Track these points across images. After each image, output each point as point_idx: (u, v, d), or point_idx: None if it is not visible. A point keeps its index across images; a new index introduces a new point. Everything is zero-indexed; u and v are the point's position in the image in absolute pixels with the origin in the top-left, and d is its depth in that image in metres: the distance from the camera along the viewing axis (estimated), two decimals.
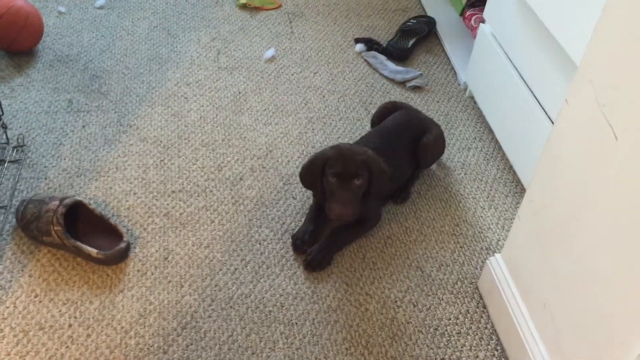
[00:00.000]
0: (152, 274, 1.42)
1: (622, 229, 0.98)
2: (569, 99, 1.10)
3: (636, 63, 0.93)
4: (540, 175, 1.21)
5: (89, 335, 1.30)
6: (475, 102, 2.01)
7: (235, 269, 1.45)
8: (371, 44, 2.20)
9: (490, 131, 1.90)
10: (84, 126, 1.78)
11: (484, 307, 1.42)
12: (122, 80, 1.96)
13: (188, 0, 2.37)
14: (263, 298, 1.40)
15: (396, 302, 1.42)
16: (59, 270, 1.41)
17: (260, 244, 1.51)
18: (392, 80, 2.09)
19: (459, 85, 2.10)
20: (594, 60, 1.03)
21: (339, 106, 1.96)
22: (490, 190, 1.72)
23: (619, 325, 1.00)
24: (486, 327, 1.38)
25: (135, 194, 1.60)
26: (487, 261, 1.41)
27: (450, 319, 1.39)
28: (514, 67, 1.73)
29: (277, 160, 1.74)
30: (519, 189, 1.72)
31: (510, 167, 1.78)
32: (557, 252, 1.16)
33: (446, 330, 1.37)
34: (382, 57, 2.16)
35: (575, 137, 1.09)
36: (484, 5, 1.91)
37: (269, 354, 1.30)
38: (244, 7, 2.36)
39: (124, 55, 2.07)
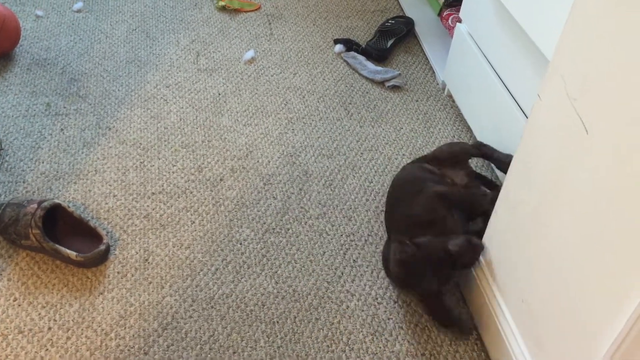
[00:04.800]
0: (133, 275, 1.42)
1: (594, 223, 1.00)
2: (541, 94, 1.12)
3: (604, 57, 0.95)
4: (515, 170, 1.23)
5: (68, 338, 1.29)
6: (453, 101, 2.03)
7: (216, 269, 1.45)
8: (350, 45, 2.22)
9: (469, 129, 1.92)
10: (62, 129, 1.78)
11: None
12: (100, 83, 1.96)
13: (167, 3, 2.37)
14: (244, 297, 1.40)
15: (377, 299, 1.43)
16: (38, 273, 1.40)
17: (241, 243, 1.51)
18: (372, 80, 2.10)
19: (438, 84, 2.12)
20: (564, 55, 1.05)
21: (318, 106, 1.97)
22: None
23: (592, 317, 1.02)
24: None
25: (114, 196, 1.60)
26: None
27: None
28: (490, 65, 1.75)
29: (257, 161, 1.75)
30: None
31: (489, 164, 1.80)
32: (533, 247, 1.17)
33: (426, 326, 1.38)
34: (361, 58, 2.17)
35: (548, 131, 1.10)
36: (461, 4, 1.93)
37: (250, 352, 1.30)
38: (223, 9, 2.36)
39: (103, 58, 2.06)
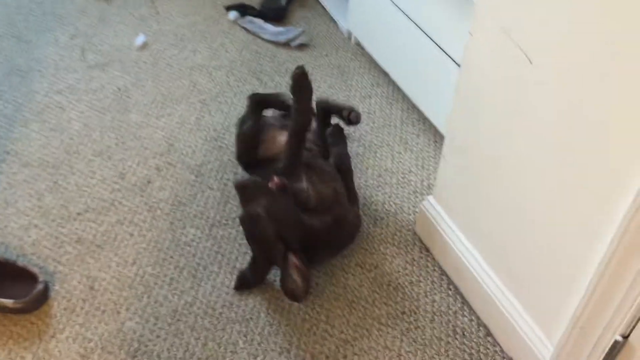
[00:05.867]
0: (82, 308, 1.30)
1: (549, 150, 1.00)
2: (473, 31, 1.09)
3: None
4: (457, 113, 1.21)
5: None
6: (363, 49, 1.99)
7: (172, 279, 1.36)
8: (244, 10, 2.10)
9: (386, 74, 1.89)
10: None
11: (427, 250, 1.43)
12: None
13: None
14: (209, 302, 1.32)
15: (343, 268, 1.39)
16: None
17: (189, 245, 1.42)
18: (276, 43, 2.01)
19: (343, 34, 2.06)
20: None
21: (229, 81, 1.86)
22: (401, 133, 1.72)
23: (564, 249, 1.03)
24: (434, 270, 1.39)
25: (36, 226, 1.44)
26: (421, 205, 1.41)
27: (399, 272, 1.39)
28: (394, 4, 1.70)
29: (182, 153, 1.63)
30: (427, 126, 1.73)
31: (414, 105, 1.79)
32: (489, 185, 1.17)
33: (399, 284, 1.37)
34: (259, 21, 2.07)
35: (487, 69, 1.08)
36: None
37: (232, 357, 1.23)
38: None
39: None
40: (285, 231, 1.22)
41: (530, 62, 0.97)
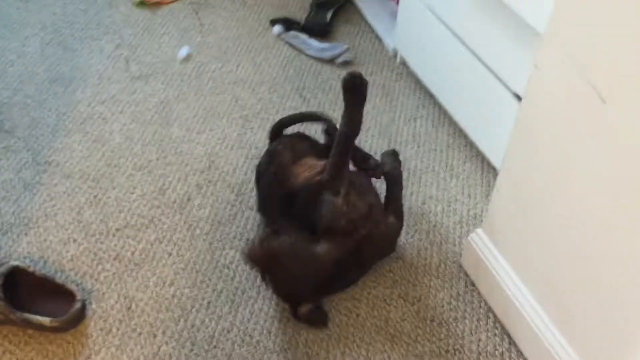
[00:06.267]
0: (118, 329, 1.27)
1: (614, 192, 0.94)
2: (539, 64, 1.04)
3: (614, 15, 0.87)
4: (515, 146, 1.16)
5: None
6: (408, 68, 1.94)
7: (209, 302, 1.33)
8: (289, 24, 2.07)
9: (432, 96, 1.84)
10: None
11: (473, 285, 1.37)
12: (25, 111, 1.74)
13: (78, 7, 2.14)
14: (247, 328, 1.29)
15: (385, 300, 1.35)
16: (11, 349, 1.23)
17: (227, 268, 1.39)
18: (320, 59, 1.98)
19: (388, 52, 2.02)
20: (563, 20, 0.97)
21: (272, 98, 1.83)
22: (447, 158, 1.67)
23: (626, 288, 0.97)
24: (480, 307, 1.34)
25: (75, 240, 1.43)
26: (469, 238, 1.36)
27: (443, 306, 1.34)
28: (446, 26, 1.65)
29: (223, 170, 1.61)
30: (474, 152, 1.68)
31: (461, 130, 1.73)
32: (546, 222, 1.12)
33: (443, 319, 1.32)
34: (303, 36, 2.04)
35: (553, 105, 1.03)
36: None
37: None
38: (141, 4, 2.16)
39: (20, 82, 1.83)
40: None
41: (603, 102, 0.91)
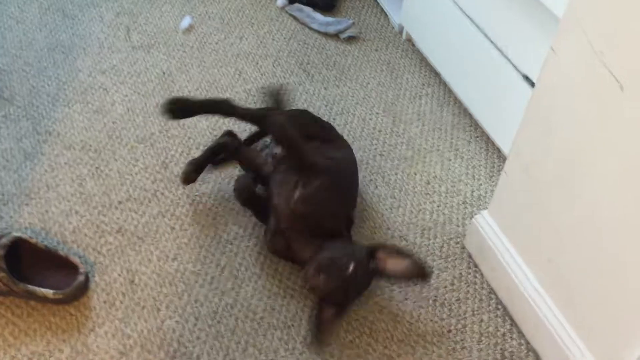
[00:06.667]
0: (122, 302, 1.27)
1: (633, 178, 0.94)
2: (557, 48, 1.02)
3: (635, 1, 0.86)
4: (526, 130, 1.15)
5: None
6: (414, 45, 1.92)
7: (212, 278, 1.32)
8: None
9: (437, 74, 1.82)
10: None
11: (476, 266, 1.38)
12: (25, 79, 1.71)
13: None
14: (250, 305, 1.29)
15: (389, 279, 1.35)
16: (14, 320, 1.23)
17: (231, 243, 1.39)
18: (325, 34, 1.95)
19: (394, 28, 1.99)
20: (583, 5, 0.95)
21: (275, 72, 1.81)
22: (452, 138, 1.66)
23: (633, 274, 0.98)
24: (482, 288, 1.35)
25: (77, 212, 1.42)
26: (474, 219, 1.36)
27: (446, 287, 1.34)
28: (455, 3, 1.63)
29: None
30: (479, 133, 1.67)
31: (466, 110, 1.72)
32: (558, 206, 1.11)
33: (445, 299, 1.32)
34: (308, 9, 2.01)
35: (568, 89, 1.02)
36: None
37: None
38: None
39: (19, 49, 1.80)
40: None
41: (621, 89, 0.91)
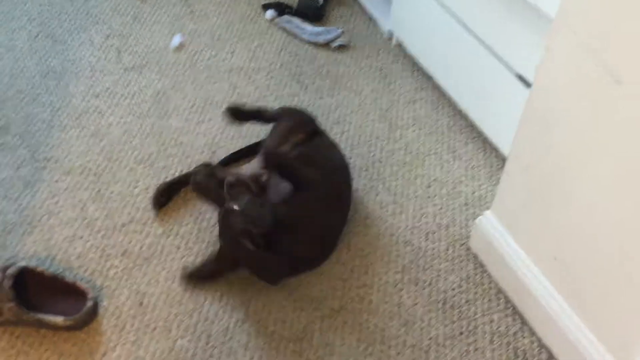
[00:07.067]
0: (132, 325, 1.27)
1: (630, 174, 0.95)
2: (551, 47, 1.04)
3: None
4: (525, 130, 1.16)
5: None
6: (405, 50, 1.93)
7: (222, 295, 1.32)
8: (281, 8, 2.05)
9: (430, 78, 1.84)
10: None
11: (482, 267, 1.39)
12: (19, 107, 1.71)
13: None
14: (260, 319, 1.29)
15: (396, 285, 1.36)
16: (25, 349, 1.22)
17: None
18: (315, 44, 1.96)
19: (383, 34, 2.00)
20: (575, 4, 0.97)
21: (269, 85, 1.82)
22: (449, 140, 1.67)
23: (638, 267, 0.99)
24: (491, 288, 1.35)
25: (81, 237, 1.41)
26: (477, 220, 1.37)
27: (454, 289, 1.35)
28: (443, 6, 1.64)
29: None
30: (475, 134, 1.69)
31: (461, 112, 1.74)
32: (559, 205, 1.13)
33: (454, 302, 1.33)
34: (297, 21, 2.02)
35: (565, 88, 1.03)
36: None
37: None
38: None
39: (11, 77, 1.79)
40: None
41: (618, 83, 0.92)
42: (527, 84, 1.38)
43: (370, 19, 2.06)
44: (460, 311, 1.31)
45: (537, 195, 1.17)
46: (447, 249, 1.42)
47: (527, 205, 1.21)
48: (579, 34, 0.96)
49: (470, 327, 1.29)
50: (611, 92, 0.93)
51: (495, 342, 1.26)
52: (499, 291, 1.34)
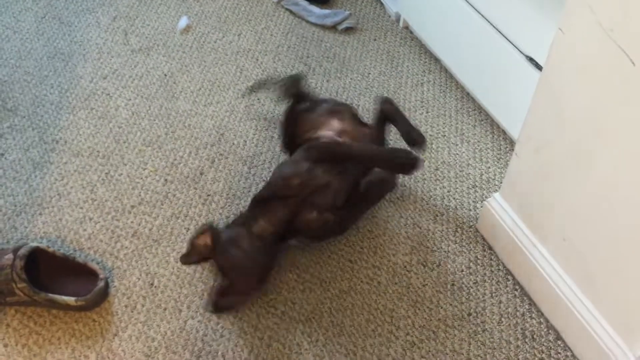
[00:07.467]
0: (143, 305, 1.28)
1: None
2: (564, 27, 1.03)
3: None
4: (536, 111, 1.16)
5: None
6: (412, 32, 1.92)
7: None
8: None
9: (437, 60, 1.83)
10: (1, 155, 1.54)
11: (491, 249, 1.39)
12: (27, 89, 1.71)
13: None
14: (270, 300, 1.30)
15: (405, 267, 1.36)
16: (37, 330, 1.23)
17: None
18: (322, 26, 1.95)
19: (390, 17, 1.99)
20: None
21: (276, 67, 1.81)
22: (457, 123, 1.67)
23: None
24: (499, 269, 1.36)
25: (90, 219, 1.42)
26: (486, 202, 1.37)
27: (463, 271, 1.36)
28: None
29: (233, 143, 1.60)
30: (483, 116, 1.68)
31: (468, 94, 1.73)
32: (570, 186, 1.13)
33: (463, 284, 1.34)
34: (304, 3, 2.01)
35: (579, 68, 1.03)
36: None
37: (297, 358, 1.21)
38: None
39: (19, 58, 1.79)
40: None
41: (633, 64, 0.92)
42: (538, 66, 1.37)
43: (378, 2, 2.05)
44: (468, 292, 1.32)
45: (548, 176, 1.17)
46: (456, 231, 1.43)
47: (536, 187, 1.21)
48: (594, 13, 0.95)
49: (479, 308, 1.29)
50: (627, 71, 0.93)
51: (503, 323, 1.27)
52: (507, 272, 1.35)
